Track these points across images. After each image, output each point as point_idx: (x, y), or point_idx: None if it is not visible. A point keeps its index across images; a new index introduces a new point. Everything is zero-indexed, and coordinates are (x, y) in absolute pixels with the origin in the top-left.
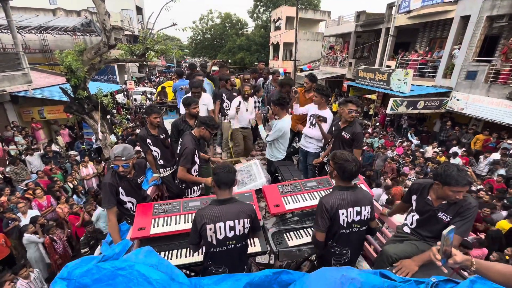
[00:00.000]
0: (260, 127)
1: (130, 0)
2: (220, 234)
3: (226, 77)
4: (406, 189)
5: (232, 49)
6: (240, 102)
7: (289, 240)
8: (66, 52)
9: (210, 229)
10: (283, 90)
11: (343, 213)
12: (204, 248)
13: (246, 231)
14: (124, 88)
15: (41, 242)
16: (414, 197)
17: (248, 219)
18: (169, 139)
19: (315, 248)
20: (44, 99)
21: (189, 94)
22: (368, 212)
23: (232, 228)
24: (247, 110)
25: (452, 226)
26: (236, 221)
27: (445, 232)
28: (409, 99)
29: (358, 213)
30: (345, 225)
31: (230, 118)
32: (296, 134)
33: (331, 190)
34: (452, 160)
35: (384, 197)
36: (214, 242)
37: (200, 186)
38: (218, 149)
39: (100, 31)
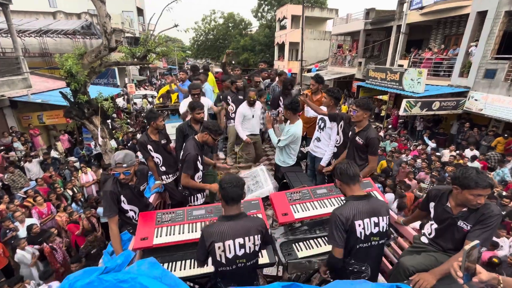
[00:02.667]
0: (271, 131)
1: (131, 2)
2: (230, 252)
3: (234, 79)
4: (420, 193)
5: (235, 50)
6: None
7: (298, 251)
8: (66, 55)
9: (219, 247)
10: (282, 82)
11: (359, 225)
12: (213, 266)
13: (256, 248)
14: (125, 91)
15: (31, 263)
16: (432, 204)
17: (259, 235)
18: (170, 145)
19: (329, 265)
20: (44, 104)
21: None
22: (386, 223)
23: (242, 246)
24: (253, 116)
25: (476, 241)
26: (246, 238)
27: (467, 247)
28: (423, 100)
29: (376, 224)
30: (363, 238)
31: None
32: (304, 138)
33: (343, 198)
34: (470, 165)
35: (396, 204)
36: (224, 261)
37: (204, 193)
38: (221, 155)
39: (100, 33)
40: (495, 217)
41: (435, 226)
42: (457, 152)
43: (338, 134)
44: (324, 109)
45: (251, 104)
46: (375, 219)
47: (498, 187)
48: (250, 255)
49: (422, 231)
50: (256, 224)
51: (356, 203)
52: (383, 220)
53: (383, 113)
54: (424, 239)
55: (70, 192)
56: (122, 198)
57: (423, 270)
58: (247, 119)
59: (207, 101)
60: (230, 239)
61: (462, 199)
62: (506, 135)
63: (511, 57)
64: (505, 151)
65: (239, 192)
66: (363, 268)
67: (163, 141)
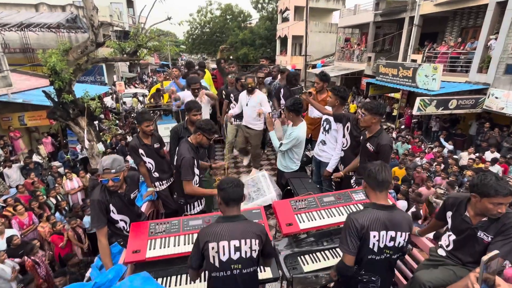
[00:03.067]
0: (272, 134)
1: None
2: (224, 254)
3: (239, 76)
4: (437, 200)
5: (234, 44)
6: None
7: (304, 265)
8: (50, 51)
9: (213, 248)
10: (286, 76)
11: (374, 236)
12: (206, 273)
13: (254, 254)
14: (113, 90)
15: (11, 277)
16: (449, 214)
17: (257, 240)
18: (164, 148)
19: (338, 274)
20: (25, 104)
21: (188, 92)
22: (404, 240)
23: (238, 248)
24: (247, 104)
25: (495, 252)
26: (242, 241)
27: (485, 258)
28: (439, 98)
29: (392, 239)
30: (376, 250)
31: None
32: (309, 141)
33: (357, 205)
34: (491, 168)
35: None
36: (217, 264)
37: (202, 200)
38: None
39: (87, 27)
40: None
41: (453, 237)
42: (477, 154)
43: (344, 136)
44: (329, 109)
45: (249, 91)
46: (392, 233)
47: None
48: (246, 260)
49: (439, 242)
50: (255, 228)
51: (376, 212)
52: (401, 236)
53: (395, 113)
54: (441, 252)
55: (54, 200)
56: (111, 207)
57: (440, 285)
58: (239, 104)
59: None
60: (225, 240)
61: (482, 208)
62: None
63: None
64: None
65: (240, 192)
66: (373, 279)
67: (156, 145)
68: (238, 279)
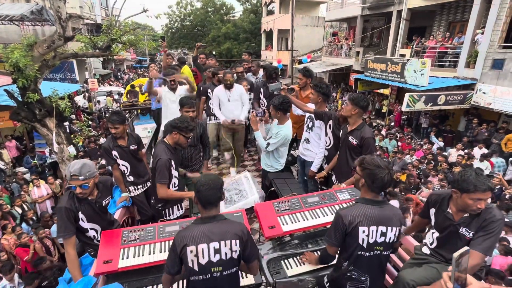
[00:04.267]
0: (257, 134)
1: None
2: (203, 257)
3: (215, 70)
4: (424, 198)
5: (216, 39)
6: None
7: (288, 269)
8: (12, 46)
9: (191, 251)
10: (266, 71)
11: (363, 231)
12: (185, 278)
13: (234, 255)
14: (85, 88)
15: None
16: (432, 211)
17: (237, 241)
18: (143, 150)
19: (321, 259)
20: None
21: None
22: (395, 235)
23: (217, 250)
24: (229, 100)
25: (465, 248)
26: (222, 243)
27: (456, 254)
28: (427, 94)
29: (383, 234)
30: (365, 246)
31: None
32: (294, 140)
33: (342, 205)
34: (479, 164)
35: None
36: (196, 268)
37: (182, 205)
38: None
39: (54, 20)
40: (498, 222)
41: (436, 234)
42: (465, 151)
43: (327, 135)
44: (311, 106)
45: (227, 87)
46: (383, 228)
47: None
48: (227, 262)
49: (424, 240)
50: (235, 228)
51: (366, 207)
52: (391, 231)
53: (384, 109)
54: (425, 250)
55: (20, 210)
56: (81, 215)
57: (424, 284)
58: (222, 104)
59: (184, 90)
60: (204, 242)
61: (462, 204)
62: None
63: None
64: None
65: (217, 194)
66: (362, 278)
67: (132, 146)
68: (218, 282)
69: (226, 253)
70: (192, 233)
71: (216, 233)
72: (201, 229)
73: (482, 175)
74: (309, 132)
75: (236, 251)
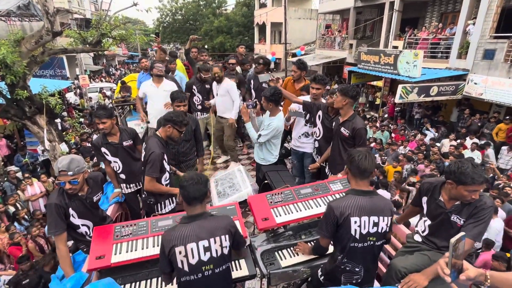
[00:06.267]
0: (248, 125)
1: None
2: (193, 257)
3: (202, 67)
4: (409, 187)
5: (209, 32)
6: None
7: (281, 260)
8: None
9: (180, 252)
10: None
11: (355, 222)
12: (176, 277)
13: (225, 251)
14: (76, 84)
15: None
16: (424, 199)
17: (227, 236)
18: (139, 146)
19: (314, 250)
20: None
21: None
22: (387, 224)
23: (207, 249)
24: (217, 94)
25: (461, 233)
26: (212, 240)
27: (452, 240)
28: (420, 85)
29: (375, 224)
30: (357, 236)
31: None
32: (288, 133)
33: (334, 195)
34: (471, 154)
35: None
36: (186, 268)
37: (173, 198)
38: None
39: (41, 15)
40: (488, 209)
41: (428, 222)
42: (458, 141)
43: (316, 126)
44: (304, 98)
45: (218, 81)
46: (374, 218)
47: (503, 178)
48: (218, 259)
49: (415, 228)
50: (223, 223)
51: (357, 198)
52: (383, 221)
53: (378, 101)
54: (417, 237)
55: (13, 209)
56: (71, 211)
57: (415, 271)
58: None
59: (170, 85)
60: (193, 241)
61: (456, 194)
62: (507, 121)
63: (511, 36)
64: (507, 139)
65: (202, 189)
66: (356, 269)
67: (126, 143)
68: (210, 280)
69: (216, 250)
70: (179, 233)
71: (204, 230)
72: (189, 228)
73: (478, 167)
74: (309, 126)
75: (226, 246)
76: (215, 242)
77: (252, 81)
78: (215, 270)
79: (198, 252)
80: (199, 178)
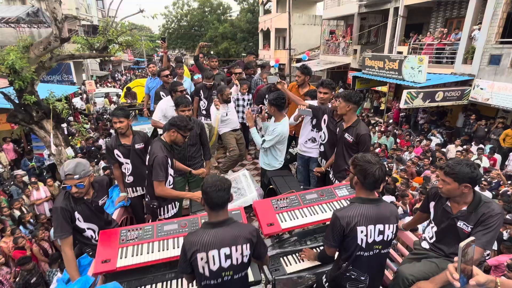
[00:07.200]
0: (253, 131)
1: None
2: (214, 264)
3: (208, 75)
4: (414, 192)
5: (214, 38)
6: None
7: (287, 266)
8: (8, 48)
9: (202, 258)
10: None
11: (362, 231)
12: (196, 280)
13: (245, 259)
14: (83, 90)
15: None
16: (432, 204)
17: (248, 245)
18: None
19: (319, 259)
20: None
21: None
22: (392, 232)
23: (228, 256)
24: (227, 114)
25: (471, 238)
26: (233, 248)
27: (462, 244)
28: (425, 90)
29: (381, 233)
30: (364, 246)
31: (213, 123)
32: (293, 138)
33: (340, 201)
34: (477, 161)
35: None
36: (207, 273)
37: (176, 203)
38: (213, 161)
39: (50, 21)
40: (496, 217)
41: (435, 228)
42: (464, 147)
43: (321, 130)
44: (310, 102)
45: (226, 101)
46: (380, 226)
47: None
48: (238, 267)
49: (423, 235)
50: (245, 231)
51: (363, 207)
52: (389, 229)
53: (382, 107)
54: (424, 244)
55: (18, 212)
56: (77, 215)
57: (423, 278)
58: (223, 119)
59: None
60: (215, 248)
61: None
62: None
63: None
64: None
65: (225, 196)
66: (362, 278)
67: (138, 145)
68: (228, 285)
69: (237, 258)
70: (201, 238)
71: (226, 238)
72: (211, 234)
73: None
74: (315, 131)
75: (246, 255)
76: (236, 251)
77: (266, 95)
78: (234, 276)
79: (219, 259)
80: (223, 184)
